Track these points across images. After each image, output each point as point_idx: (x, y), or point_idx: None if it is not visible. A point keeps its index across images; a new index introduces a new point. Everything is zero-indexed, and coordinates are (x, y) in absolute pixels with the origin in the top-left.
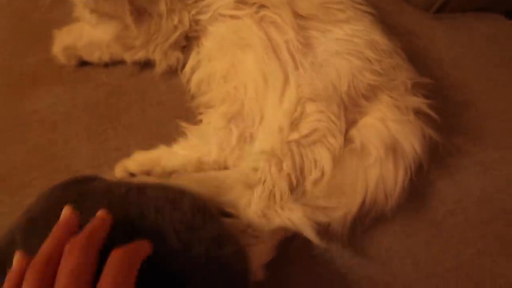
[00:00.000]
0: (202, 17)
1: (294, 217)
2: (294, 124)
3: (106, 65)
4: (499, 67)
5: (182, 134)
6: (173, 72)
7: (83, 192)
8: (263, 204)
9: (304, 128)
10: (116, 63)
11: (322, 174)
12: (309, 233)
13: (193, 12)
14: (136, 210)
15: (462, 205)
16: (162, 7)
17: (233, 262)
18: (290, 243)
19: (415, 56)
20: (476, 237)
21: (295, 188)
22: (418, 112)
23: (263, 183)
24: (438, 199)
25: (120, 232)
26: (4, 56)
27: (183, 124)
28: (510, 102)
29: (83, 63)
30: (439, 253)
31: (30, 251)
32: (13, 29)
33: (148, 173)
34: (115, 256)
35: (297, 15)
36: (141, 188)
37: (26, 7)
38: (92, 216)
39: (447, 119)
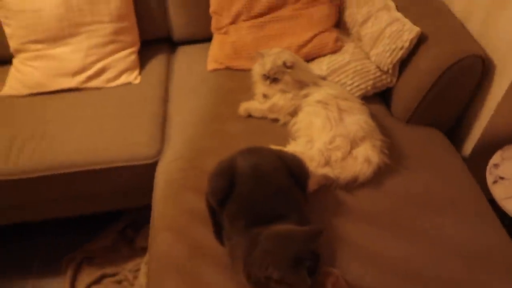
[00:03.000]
0: (303, 104)
1: (323, 172)
2: (329, 142)
3: (258, 118)
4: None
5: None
6: (285, 124)
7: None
8: (315, 164)
9: (333, 144)
10: (263, 118)
11: (336, 160)
12: (330, 178)
13: (300, 101)
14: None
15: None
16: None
17: (304, 167)
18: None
19: (388, 136)
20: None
21: (327, 164)
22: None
23: (317, 161)
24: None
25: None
26: (213, 110)
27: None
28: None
29: (249, 116)
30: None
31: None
32: (221, 99)
33: None
34: None
35: (339, 108)
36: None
37: (230, 89)
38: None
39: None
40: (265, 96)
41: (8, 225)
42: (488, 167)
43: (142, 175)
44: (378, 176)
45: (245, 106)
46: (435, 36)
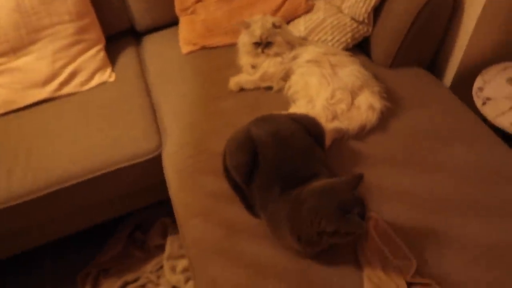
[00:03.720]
0: (293, 66)
1: (334, 125)
2: (330, 97)
3: (252, 90)
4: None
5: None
6: (279, 91)
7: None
8: (324, 120)
9: (334, 99)
10: (256, 88)
11: (342, 112)
12: (341, 130)
13: (290, 64)
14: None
15: None
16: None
17: (319, 124)
18: None
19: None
20: None
21: (334, 118)
22: (379, 96)
23: (324, 117)
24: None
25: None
26: (203, 92)
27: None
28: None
29: (241, 90)
30: None
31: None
32: (207, 80)
33: None
34: None
35: (331, 63)
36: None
37: (213, 68)
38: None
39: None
40: (253, 66)
41: (9, 257)
42: (474, 92)
43: (147, 171)
44: (383, 120)
45: (235, 80)
46: None
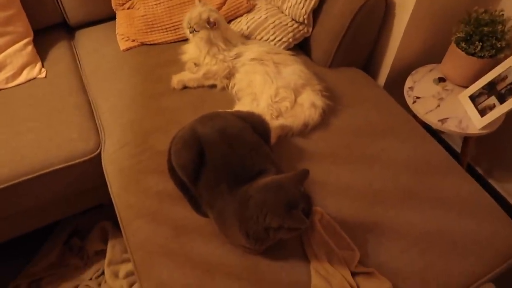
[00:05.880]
0: (237, 64)
1: (279, 123)
2: (274, 95)
3: (195, 87)
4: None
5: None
6: (223, 89)
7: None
8: (268, 118)
9: (278, 97)
10: (200, 86)
11: (286, 110)
12: (286, 127)
13: (233, 62)
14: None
15: None
16: (220, 64)
17: (265, 122)
18: None
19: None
20: None
21: (279, 115)
22: (320, 95)
23: (269, 114)
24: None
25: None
26: (144, 89)
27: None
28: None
29: (184, 87)
30: None
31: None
32: (147, 77)
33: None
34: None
35: (274, 62)
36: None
37: (154, 65)
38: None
39: (331, 100)
40: (196, 64)
41: None
42: (405, 91)
43: (84, 173)
44: (324, 118)
45: (178, 78)
46: None
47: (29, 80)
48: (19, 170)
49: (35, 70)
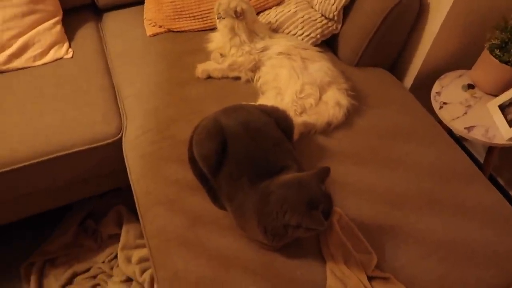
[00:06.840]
0: (263, 57)
1: (302, 119)
2: (300, 91)
3: (220, 78)
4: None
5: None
6: (248, 81)
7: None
8: (292, 114)
9: (303, 93)
10: (224, 77)
11: (310, 107)
12: (309, 124)
13: (260, 55)
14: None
15: None
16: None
17: (289, 118)
18: None
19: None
20: None
21: (303, 112)
22: (346, 94)
23: (293, 110)
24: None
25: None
26: (169, 76)
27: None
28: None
29: (208, 77)
30: None
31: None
32: (173, 64)
33: None
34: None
35: (302, 57)
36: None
37: (180, 53)
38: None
39: (357, 100)
40: (222, 55)
41: None
42: (432, 96)
43: (105, 156)
44: (348, 117)
45: (202, 68)
46: None
47: (56, 60)
48: (42, 149)
49: (63, 50)
